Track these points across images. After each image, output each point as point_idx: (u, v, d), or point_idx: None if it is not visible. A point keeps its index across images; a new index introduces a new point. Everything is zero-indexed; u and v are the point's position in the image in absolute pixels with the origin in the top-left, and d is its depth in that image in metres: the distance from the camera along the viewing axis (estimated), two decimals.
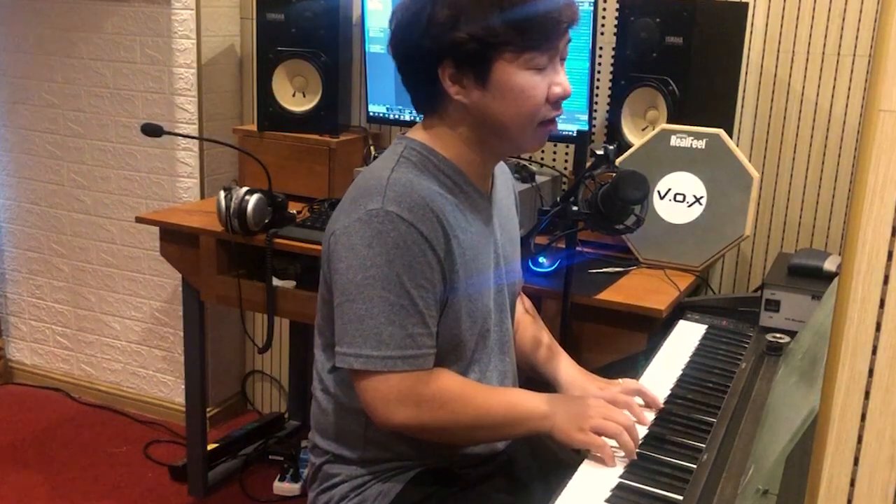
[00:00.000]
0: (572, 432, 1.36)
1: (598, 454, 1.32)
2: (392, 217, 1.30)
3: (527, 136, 1.40)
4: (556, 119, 1.40)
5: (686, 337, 1.84)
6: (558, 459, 1.55)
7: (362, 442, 1.46)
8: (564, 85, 1.38)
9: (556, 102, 1.38)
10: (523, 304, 1.73)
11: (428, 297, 1.33)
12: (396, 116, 2.58)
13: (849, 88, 2.28)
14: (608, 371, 1.91)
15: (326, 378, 1.48)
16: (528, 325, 1.70)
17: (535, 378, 1.65)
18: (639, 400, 1.49)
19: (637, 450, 1.34)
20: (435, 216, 1.34)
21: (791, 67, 2.32)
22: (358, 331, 1.32)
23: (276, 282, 2.38)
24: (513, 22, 1.29)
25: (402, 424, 1.36)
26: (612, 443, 1.34)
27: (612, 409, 1.39)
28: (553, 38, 1.34)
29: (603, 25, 2.46)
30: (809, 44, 2.29)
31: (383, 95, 2.58)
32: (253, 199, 2.28)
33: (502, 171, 1.60)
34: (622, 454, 1.33)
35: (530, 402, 1.41)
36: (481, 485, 1.49)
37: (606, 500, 1.22)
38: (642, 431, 1.42)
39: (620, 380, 1.56)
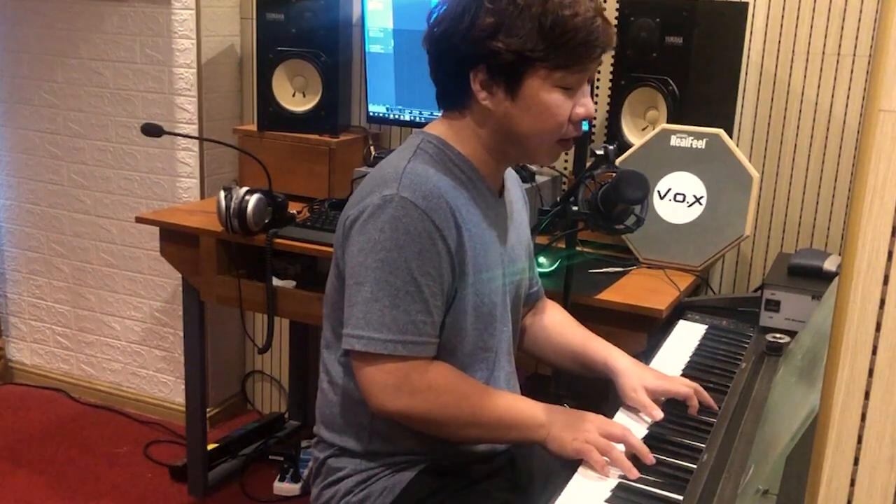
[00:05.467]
0: (566, 442, 1.35)
1: (590, 461, 1.30)
2: (406, 203, 1.32)
3: (543, 151, 1.44)
4: (573, 137, 1.43)
5: (686, 337, 1.84)
6: (561, 460, 1.55)
7: (367, 433, 1.46)
8: (588, 106, 1.41)
9: (577, 122, 1.41)
10: (557, 307, 1.74)
11: (434, 287, 1.34)
12: (396, 116, 2.58)
13: (849, 88, 2.28)
14: None
15: (333, 369, 1.48)
16: (571, 322, 1.70)
17: (582, 376, 1.64)
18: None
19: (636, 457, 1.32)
20: (448, 207, 1.35)
21: (791, 67, 2.32)
22: (363, 313, 1.33)
23: (276, 282, 2.38)
24: (552, 40, 1.31)
25: (395, 412, 1.36)
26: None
27: (610, 424, 1.37)
28: (587, 61, 1.36)
29: None
30: (809, 44, 2.29)
31: (383, 95, 2.58)
32: (253, 199, 2.28)
33: (510, 174, 1.60)
34: (617, 470, 1.29)
35: (528, 409, 1.40)
36: (485, 482, 1.48)
37: (606, 500, 1.22)
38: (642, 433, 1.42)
39: (678, 375, 1.54)
